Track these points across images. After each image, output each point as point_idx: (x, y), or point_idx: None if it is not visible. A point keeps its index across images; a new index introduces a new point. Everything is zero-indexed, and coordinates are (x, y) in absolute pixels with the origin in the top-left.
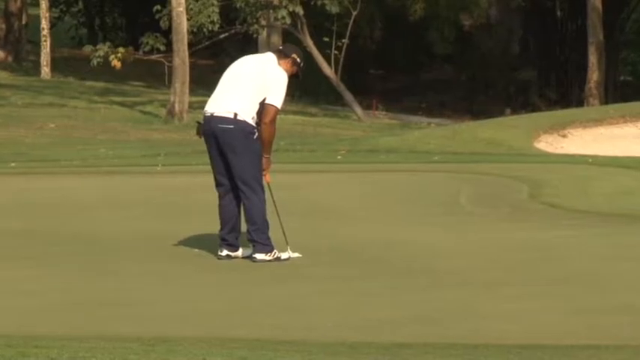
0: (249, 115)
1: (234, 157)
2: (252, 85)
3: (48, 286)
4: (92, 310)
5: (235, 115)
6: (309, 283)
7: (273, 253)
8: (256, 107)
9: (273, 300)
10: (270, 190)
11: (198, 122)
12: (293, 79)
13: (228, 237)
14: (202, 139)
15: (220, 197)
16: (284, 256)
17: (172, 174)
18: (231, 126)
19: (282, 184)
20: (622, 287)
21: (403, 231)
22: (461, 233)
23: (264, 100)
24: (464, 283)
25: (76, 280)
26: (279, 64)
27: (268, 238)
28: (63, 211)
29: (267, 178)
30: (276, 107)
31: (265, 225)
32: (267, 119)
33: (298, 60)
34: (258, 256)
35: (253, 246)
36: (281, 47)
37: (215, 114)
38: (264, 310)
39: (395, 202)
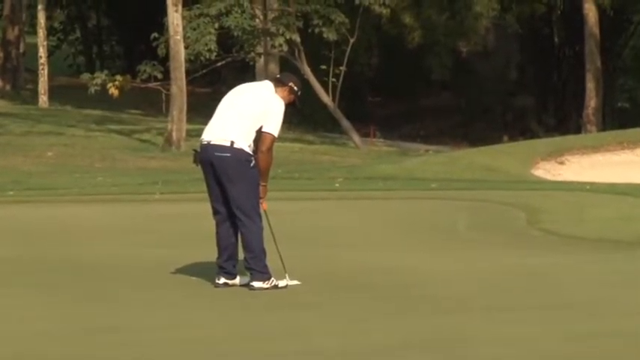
0: (245, 143)
1: (231, 185)
2: (249, 113)
3: (45, 313)
4: (89, 337)
5: (232, 143)
6: (307, 310)
7: (270, 281)
8: (253, 135)
9: (270, 327)
10: (267, 218)
11: (195, 150)
12: (290, 107)
13: (226, 265)
14: (199, 167)
15: (217, 225)
16: (281, 283)
17: (170, 202)
18: (228, 154)
19: (280, 211)
20: (619, 313)
21: (401, 257)
22: (459, 260)
23: (260, 128)
24: (462, 309)
25: (74, 306)
26: (277, 92)
27: (265, 266)
28: (60, 238)
29: (264, 205)
30: (272, 135)
31: (262, 253)
32: (263, 147)
33: (295, 88)
34: (256, 284)
35: (251, 274)
36: (278, 76)
37: (212, 142)
38: (261, 337)
39: (393, 229)
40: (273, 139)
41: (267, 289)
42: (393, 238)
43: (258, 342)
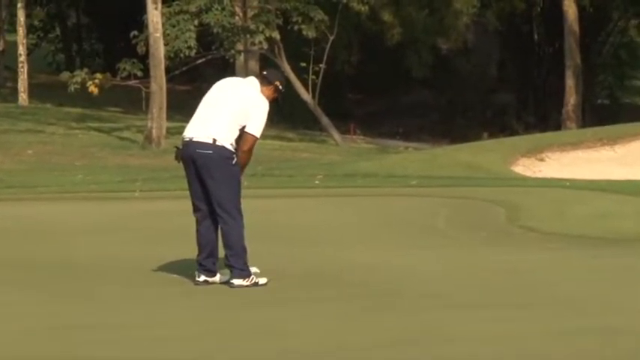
0: (227, 141)
1: (213, 182)
2: (232, 110)
3: (25, 311)
4: (69, 335)
5: (214, 140)
6: (288, 307)
7: (250, 278)
8: (235, 133)
9: (251, 324)
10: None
11: (177, 147)
12: (271, 103)
13: (206, 262)
14: (180, 164)
15: (198, 223)
16: (262, 281)
17: (150, 199)
18: (210, 151)
19: (260, 208)
20: (598, 309)
21: (381, 255)
22: (439, 257)
23: (244, 127)
24: (442, 305)
25: (53, 304)
26: (262, 90)
27: (245, 264)
28: (40, 237)
29: None
30: (254, 137)
31: (243, 251)
32: (245, 147)
33: (281, 87)
34: (236, 281)
35: (231, 271)
36: (265, 72)
37: (194, 139)
38: (242, 335)
39: (373, 226)
40: (255, 140)
41: (247, 286)
42: (373, 235)
43: (236, 340)
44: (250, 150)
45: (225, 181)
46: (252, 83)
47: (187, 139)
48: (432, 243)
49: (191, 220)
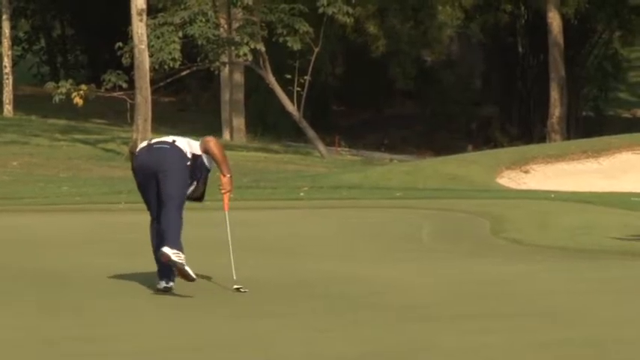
0: (186, 147)
1: (164, 177)
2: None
3: (9, 323)
4: (54, 347)
5: (174, 141)
6: (272, 319)
7: (180, 255)
8: (191, 148)
9: (232, 336)
10: (227, 220)
11: (133, 153)
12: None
13: (166, 269)
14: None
15: (152, 227)
16: (191, 272)
17: (135, 211)
18: (167, 146)
19: (245, 220)
20: (583, 321)
21: (366, 266)
22: (423, 268)
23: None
24: (426, 317)
25: (39, 316)
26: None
27: (180, 243)
28: (25, 248)
29: (226, 206)
30: (210, 137)
31: (178, 235)
32: (206, 139)
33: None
34: (166, 249)
35: (164, 240)
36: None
37: (152, 140)
38: (223, 346)
39: (358, 237)
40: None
41: (175, 262)
42: (358, 247)
43: (220, 351)
44: (212, 138)
45: (176, 176)
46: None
47: (145, 145)
48: (416, 255)
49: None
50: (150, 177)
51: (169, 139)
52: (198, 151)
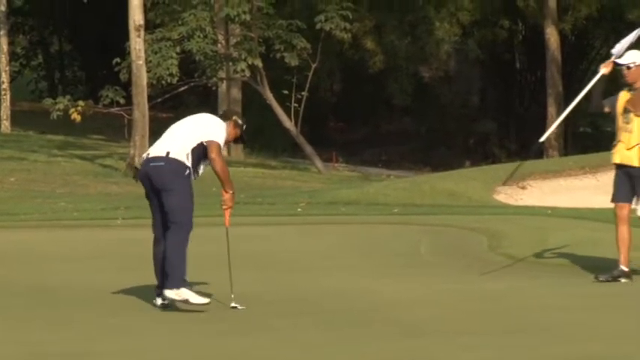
0: (182, 153)
1: (166, 194)
2: (185, 129)
3: (6, 338)
4: None
5: (167, 153)
6: (270, 334)
7: (180, 292)
8: (190, 145)
9: (232, 351)
10: (228, 236)
11: (136, 167)
12: (235, 141)
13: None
14: (139, 183)
15: (155, 243)
16: (196, 300)
17: (132, 227)
18: (162, 163)
19: (242, 236)
20: (579, 337)
21: (363, 282)
22: (421, 284)
23: (201, 143)
24: (423, 333)
25: (35, 331)
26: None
27: (183, 279)
28: (22, 263)
29: (227, 218)
30: (216, 142)
31: (181, 262)
32: (212, 154)
33: (240, 122)
34: (167, 292)
35: (166, 279)
36: (221, 112)
37: (150, 155)
38: None
39: (355, 253)
40: (219, 145)
41: (179, 300)
42: (355, 263)
43: None
44: (218, 154)
45: (177, 194)
46: (208, 114)
47: (144, 159)
48: (414, 271)
49: None
50: (152, 192)
51: (164, 150)
52: (211, 136)
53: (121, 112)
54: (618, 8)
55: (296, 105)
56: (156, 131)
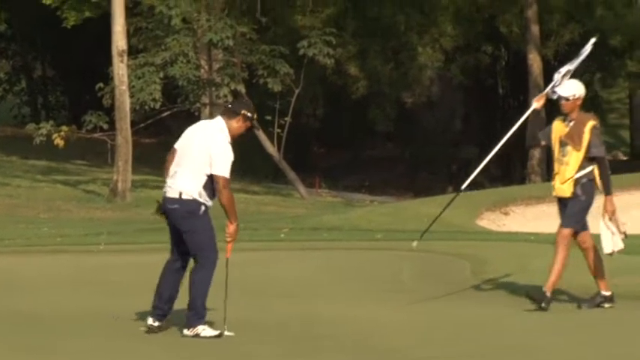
0: (194, 191)
1: (185, 235)
2: (195, 161)
3: None
4: None
5: (180, 194)
6: None
7: (195, 329)
8: (202, 180)
9: None
10: (227, 266)
11: (158, 201)
12: (247, 132)
13: (162, 306)
14: (158, 217)
15: (167, 264)
16: (208, 332)
17: (115, 253)
18: (176, 206)
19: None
20: None
21: (346, 308)
22: (404, 310)
23: (211, 175)
24: (406, 359)
25: (18, 357)
26: (230, 124)
27: (204, 306)
28: (5, 289)
29: (229, 249)
30: (222, 176)
31: (203, 300)
32: (219, 187)
33: (249, 114)
34: (185, 332)
35: (187, 319)
36: (229, 105)
37: (166, 195)
38: None
39: (338, 279)
40: (225, 179)
41: (192, 336)
42: (338, 289)
43: None
44: (225, 188)
45: (196, 234)
46: (214, 126)
47: (164, 194)
48: (396, 296)
49: (156, 273)
50: (171, 227)
51: (177, 190)
52: (218, 170)
53: (104, 138)
54: (601, 34)
55: (279, 130)
56: (139, 157)
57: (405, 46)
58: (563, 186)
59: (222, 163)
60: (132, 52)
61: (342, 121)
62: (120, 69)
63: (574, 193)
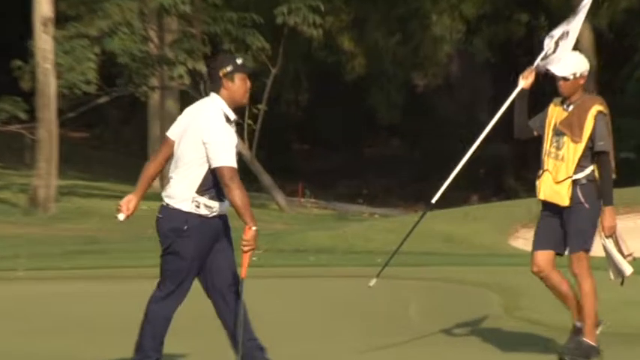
0: (186, 195)
1: (163, 256)
2: (188, 156)
3: None
4: None
5: (167, 202)
6: None
7: None
8: (198, 179)
9: None
10: (241, 292)
11: None
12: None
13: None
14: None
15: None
16: None
17: (37, 280)
18: (161, 215)
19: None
20: None
21: (336, 353)
22: (410, 358)
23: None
24: None
25: None
26: (228, 92)
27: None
28: None
29: (245, 265)
30: (224, 166)
31: (162, 330)
32: (225, 181)
33: (239, 62)
34: None
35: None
36: (211, 68)
37: (163, 200)
38: None
39: (326, 316)
40: (230, 169)
41: None
42: (326, 328)
43: None
44: (232, 180)
45: (169, 253)
46: (207, 107)
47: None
48: (403, 339)
49: (90, 306)
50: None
51: (167, 195)
52: (219, 160)
53: (22, 131)
54: None
55: (250, 122)
56: (67, 156)
57: (416, 14)
58: (557, 188)
59: (221, 150)
60: (60, 20)
61: (333, 111)
62: (44, 42)
63: (574, 200)
